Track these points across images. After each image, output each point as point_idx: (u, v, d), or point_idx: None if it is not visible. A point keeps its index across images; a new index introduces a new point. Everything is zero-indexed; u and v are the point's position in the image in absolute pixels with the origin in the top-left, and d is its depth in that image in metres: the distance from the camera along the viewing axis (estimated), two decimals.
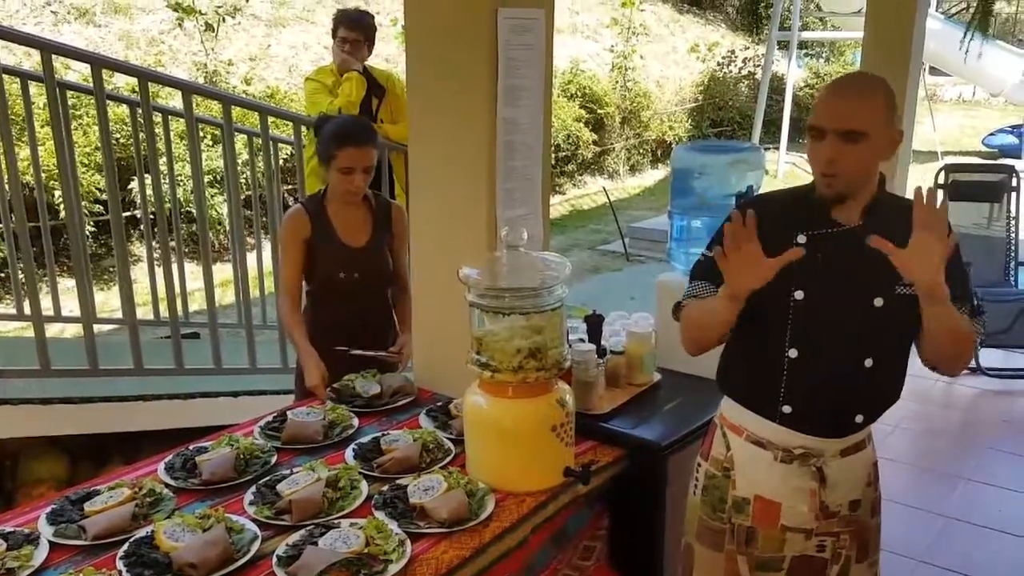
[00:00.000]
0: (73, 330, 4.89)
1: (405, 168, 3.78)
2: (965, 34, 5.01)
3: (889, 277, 1.65)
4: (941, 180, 5.44)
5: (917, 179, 5.92)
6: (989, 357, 4.76)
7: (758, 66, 14.62)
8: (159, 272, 3.75)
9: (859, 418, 1.79)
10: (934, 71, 14.91)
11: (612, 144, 12.26)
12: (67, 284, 5.54)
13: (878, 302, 1.69)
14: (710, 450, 1.91)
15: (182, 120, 4.54)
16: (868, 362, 1.73)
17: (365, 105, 4.09)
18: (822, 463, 1.78)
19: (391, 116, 4.17)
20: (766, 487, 1.81)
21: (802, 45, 15.83)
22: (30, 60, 7.07)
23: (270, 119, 4.08)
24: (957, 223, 5.29)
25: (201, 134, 5.05)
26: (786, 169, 12.85)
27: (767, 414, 1.80)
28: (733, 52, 15.17)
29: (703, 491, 1.91)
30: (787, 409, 1.77)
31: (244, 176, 4.88)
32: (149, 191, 4.82)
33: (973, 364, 4.70)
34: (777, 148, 12.67)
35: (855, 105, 1.65)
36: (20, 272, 3.88)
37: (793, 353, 1.74)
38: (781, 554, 1.82)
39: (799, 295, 1.72)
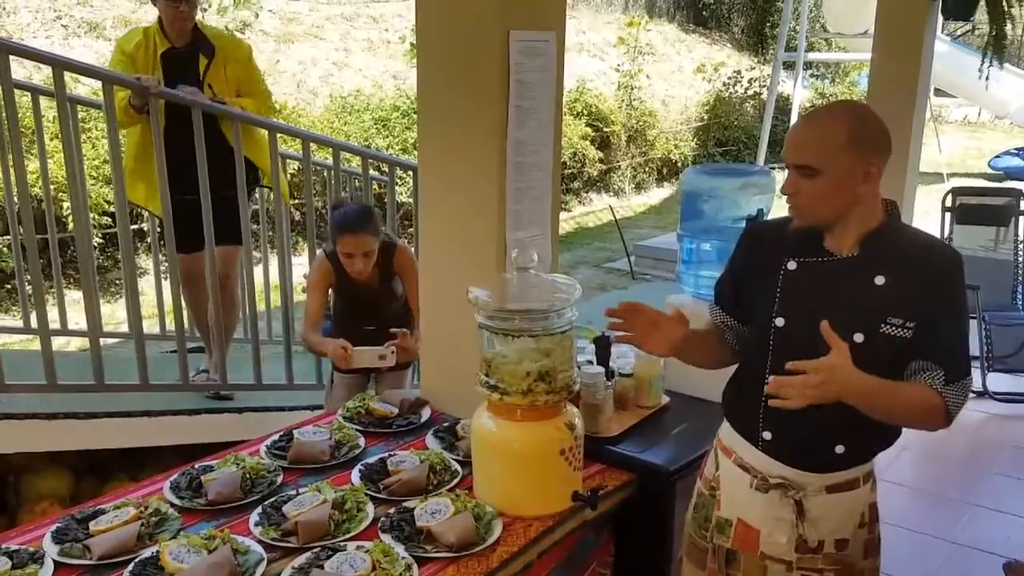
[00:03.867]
0: (78, 343, 4.90)
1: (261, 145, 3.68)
2: (983, 59, 5.01)
3: (875, 314, 1.62)
4: (948, 203, 5.43)
5: (924, 200, 5.93)
6: (997, 382, 4.73)
7: (764, 86, 14.66)
8: (166, 285, 3.76)
9: (840, 449, 1.71)
10: (939, 92, 14.94)
11: (618, 162, 12.29)
12: (74, 296, 5.55)
13: (858, 338, 1.61)
14: (704, 468, 1.93)
15: None
16: None
17: (191, 66, 3.58)
18: (802, 496, 1.73)
19: (221, 83, 3.63)
20: (747, 512, 1.79)
21: (808, 66, 15.90)
22: (40, 73, 7.11)
23: (279, 136, 4.08)
24: (963, 246, 5.36)
25: None
26: None
27: (750, 438, 1.79)
28: (739, 72, 15.23)
29: (694, 508, 1.92)
30: (767, 435, 1.75)
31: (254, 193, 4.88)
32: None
33: (980, 388, 4.68)
34: (783, 168, 12.67)
35: (808, 139, 1.64)
36: (27, 284, 3.89)
37: (772, 379, 1.70)
38: None
39: (780, 322, 1.71)
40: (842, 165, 1.60)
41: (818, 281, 1.69)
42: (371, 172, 4.50)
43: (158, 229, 4.30)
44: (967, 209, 5.44)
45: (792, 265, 1.72)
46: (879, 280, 1.63)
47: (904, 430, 1.78)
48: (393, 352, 2.80)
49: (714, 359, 1.95)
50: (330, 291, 3.18)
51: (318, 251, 3.26)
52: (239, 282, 3.94)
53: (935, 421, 1.65)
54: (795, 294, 1.70)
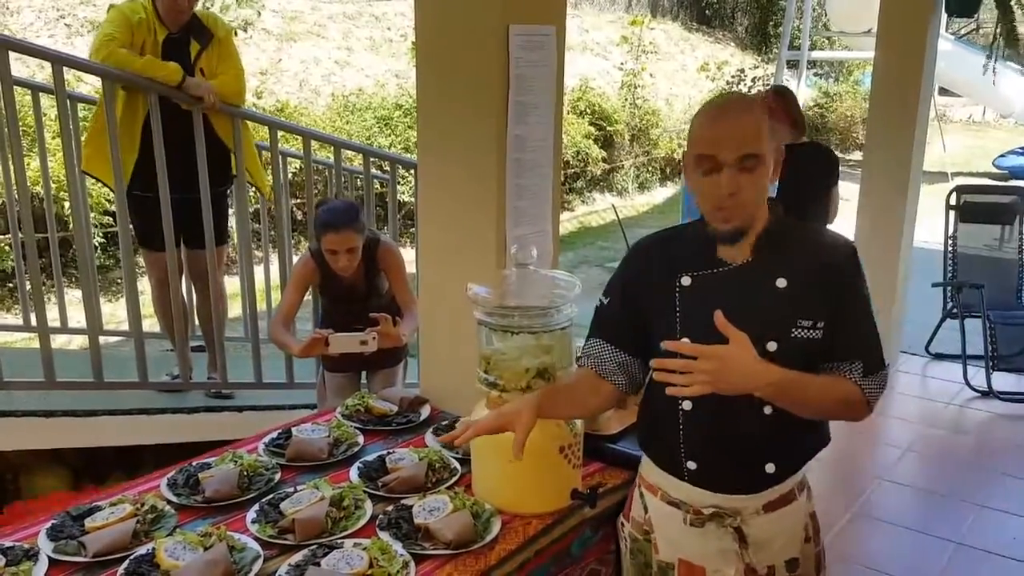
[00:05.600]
0: (79, 341, 4.89)
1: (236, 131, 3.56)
2: (991, 54, 4.99)
3: (784, 319, 1.53)
4: (952, 201, 5.41)
5: (927, 199, 5.91)
6: (1002, 381, 4.71)
7: (767, 85, 14.62)
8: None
9: (770, 467, 1.62)
10: (943, 91, 14.91)
11: (621, 161, 12.27)
12: (75, 295, 5.54)
13: (771, 346, 1.52)
14: (630, 511, 1.81)
15: None
16: (767, 410, 1.56)
17: (183, 52, 3.51)
18: (739, 523, 1.62)
19: (211, 67, 3.57)
20: (688, 550, 1.67)
21: (811, 64, 15.86)
22: (43, 72, 7.11)
23: (279, 133, 4.07)
24: (968, 245, 5.33)
25: None
26: None
27: (675, 472, 1.67)
28: (743, 71, 15.18)
29: (630, 554, 1.80)
30: (692, 465, 1.64)
31: (252, 191, 4.87)
32: None
33: (984, 388, 4.66)
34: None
35: (747, 127, 1.51)
36: (28, 283, 3.88)
37: (687, 405, 1.61)
38: None
39: (685, 342, 1.55)
40: (768, 149, 1.53)
41: (717, 293, 1.57)
42: (373, 171, 4.49)
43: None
44: (971, 207, 5.41)
45: (686, 280, 1.61)
46: (780, 283, 1.56)
47: (832, 441, 1.71)
48: (375, 338, 2.71)
49: (586, 410, 1.85)
50: (314, 291, 3.15)
51: (301, 246, 3.23)
52: (212, 283, 3.77)
53: (855, 412, 1.61)
54: (695, 311, 1.57)
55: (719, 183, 1.52)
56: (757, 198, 1.55)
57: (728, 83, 14.87)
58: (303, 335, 3.02)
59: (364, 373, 3.28)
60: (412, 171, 5.89)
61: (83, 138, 3.69)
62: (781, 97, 3.88)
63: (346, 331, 2.74)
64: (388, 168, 4.67)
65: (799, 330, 1.55)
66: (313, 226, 3.07)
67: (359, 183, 4.60)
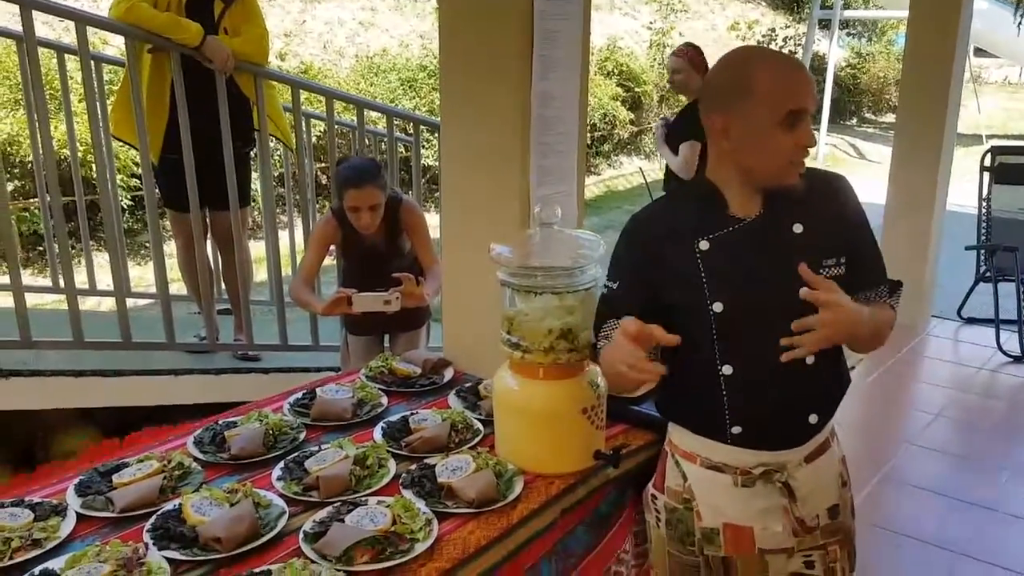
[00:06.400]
0: (108, 304, 4.95)
1: (257, 92, 3.55)
2: (1016, 8, 4.85)
3: (810, 263, 1.50)
4: (987, 163, 5.29)
5: (961, 162, 5.79)
6: None
7: (799, 45, 14.35)
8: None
9: (813, 418, 1.63)
10: (979, 52, 14.54)
11: (649, 123, 12.12)
12: (103, 258, 5.60)
13: (805, 292, 1.48)
14: (664, 480, 1.77)
15: None
16: (809, 359, 1.55)
17: (207, 10, 3.48)
18: (787, 477, 1.63)
19: (235, 26, 3.54)
20: (733, 513, 1.67)
21: (844, 24, 15.52)
22: (68, 35, 7.13)
23: (303, 94, 4.05)
24: (1002, 208, 5.21)
25: None
26: (826, 152, 12.62)
27: (717, 437, 1.66)
28: (773, 31, 14.91)
29: (667, 525, 1.76)
30: (737, 429, 1.63)
31: (277, 153, 4.87)
32: None
33: (1017, 352, 4.59)
34: (817, 129, 12.45)
35: (811, 81, 1.57)
36: (56, 246, 3.92)
37: (727, 370, 1.60)
38: (767, 575, 1.68)
39: (718, 307, 1.57)
40: None
41: (739, 251, 1.57)
42: (397, 134, 4.46)
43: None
44: (1006, 169, 5.29)
45: (704, 245, 1.58)
46: (797, 228, 1.56)
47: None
48: (398, 298, 2.70)
49: (635, 391, 1.78)
50: (335, 252, 3.13)
51: (326, 209, 3.21)
52: (237, 245, 3.77)
53: (887, 331, 1.65)
54: (721, 273, 1.56)
55: (803, 136, 1.52)
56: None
57: (759, 43, 14.61)
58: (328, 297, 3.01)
59: (387, 336, 3.27)
60: (436, 134, 5.86)
61: (110, 102, 3.70)
62: (698, 51, 4.40)
63: (365, 291, 2.74)
64: (412, 131, 4.64)
65: (826, 269, 1.55)
66: (334, 184, 3.04)
67: (383, 146, 4.57)
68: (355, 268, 3.15)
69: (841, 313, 1.45)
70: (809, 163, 1.61)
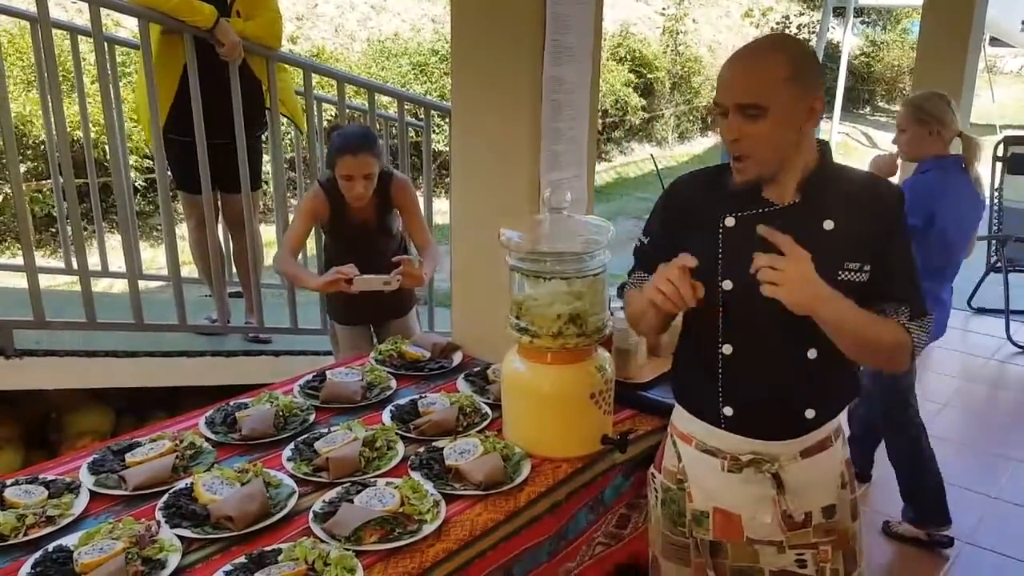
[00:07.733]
0: (120, 286, 4.98)
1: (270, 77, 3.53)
2: None
3: (830, 261, 1.49)
4: (1000, 153, 5.25)
5: None
6: None
7: (813, 32, 14.22)
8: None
9: (810, 413, 1.61)
10: (995, 42, 14.39)
11: (661, 110, 12.07)
12: (116, 240, 5.63)
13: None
14: (662, 460, 1.79)
15: None
16: (812, 353, 1.56)
17: None
18: (777, 468, 1.61)
19: (248, 8, 3.50)
20: (723, 498, 1.67)
21: (858, 12, 15.39)
22: (81, 16, 7.14)
23: (315, 77, 4.05)
24: (1013, 198, 5.18)
25: None
26: (839, 140, 12.55)
27: (710, 419, 1.66)
28: (787, 18, 14.77)
29: (662, 504, 1.78)
30: (728, 411, 1.63)
31: (289, 135, 4.88)
32: None
33: None
34: (830, 118, 12.38)
35: (749, 74, 1.49)
36: (68, 227, 3.94)
37: (727, 349, 1.60)
38: (758, 565, 1.69)
39: (727, 285, 1.57)
40: (787, 100, 1.48)
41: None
42: (408, 118, 4.45)
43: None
44: (1019, 159, 5.26)
45: (730, 221, 1.58)
46: (828, 225, 1.53)
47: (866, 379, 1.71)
48: (398, 279, 2.61)
49: (653, 335, 1.87)
50: (321, 231, 3.01)
51: (314, 182, 3.05)
52: (248, 227, 3.74)
53: (900, 359, 1.57)
54: (739, 252, 1.52)
55: (725, 128, 1.52)
56: (766, 148, 1.51)
57: (772, 30, 14.51)
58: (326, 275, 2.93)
59: (371, 327, 3.14)
60: (447, 119, 5.85)
61: (123, 84, 3.70)
62: None
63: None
64: (423, 115, 4.64)
65: (845, 272, 1.52)
66: (327, 153, 2.88)
67: (394, 131, 4.57)
68: (341, 247, 2.98)
69: (796, 268, 1.42)
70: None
